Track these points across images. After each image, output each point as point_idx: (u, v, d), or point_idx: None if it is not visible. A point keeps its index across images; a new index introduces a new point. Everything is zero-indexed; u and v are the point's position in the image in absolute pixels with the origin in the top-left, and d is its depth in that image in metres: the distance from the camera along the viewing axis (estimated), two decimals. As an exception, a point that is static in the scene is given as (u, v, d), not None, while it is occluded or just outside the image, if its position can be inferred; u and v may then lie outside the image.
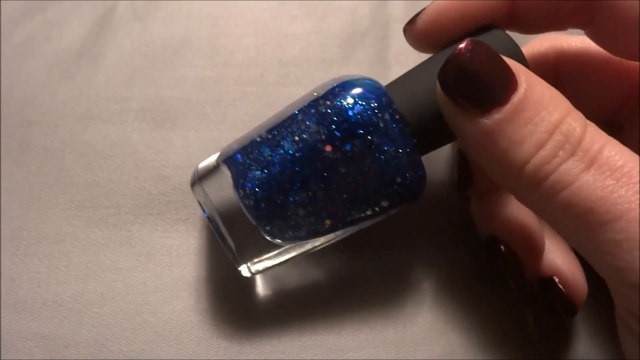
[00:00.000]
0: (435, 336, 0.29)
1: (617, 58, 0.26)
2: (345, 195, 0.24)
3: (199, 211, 0.31)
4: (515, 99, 0.21)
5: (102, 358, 0.28)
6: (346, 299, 0.30)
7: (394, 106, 0.24)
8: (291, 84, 0.35)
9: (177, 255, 0.30)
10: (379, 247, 0.31)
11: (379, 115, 0.23)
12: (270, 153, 0.24)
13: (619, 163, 0.20)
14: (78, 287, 0.29)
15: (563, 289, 0.27)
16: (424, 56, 0.35)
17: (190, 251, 0.30)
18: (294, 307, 0.29)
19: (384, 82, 0.33)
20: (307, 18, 0.38)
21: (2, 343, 0.28)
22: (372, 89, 0.24)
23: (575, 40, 0.28)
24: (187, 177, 0.32)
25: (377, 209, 0.25)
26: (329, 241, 0.27)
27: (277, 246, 0.26)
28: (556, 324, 0.30)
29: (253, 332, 0.29)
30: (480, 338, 0.29)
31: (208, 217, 0.26)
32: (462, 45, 0.21)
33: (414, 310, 0.30)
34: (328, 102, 0.24)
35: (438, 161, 0.33)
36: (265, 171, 0.24)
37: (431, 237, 0.31)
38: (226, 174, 0.25)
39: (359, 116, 0.23)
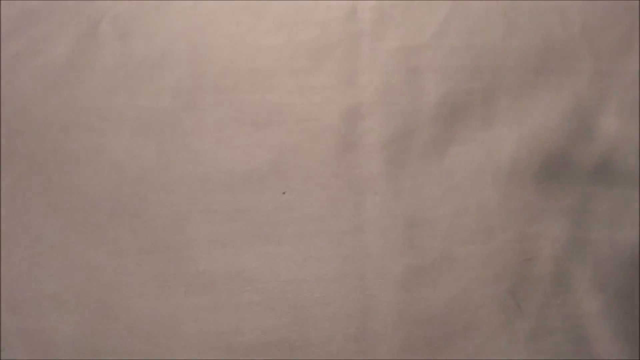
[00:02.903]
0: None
1: None
2: None
3: (171, 209, 0.33)
4: None
5: (78, 352, 0.29)
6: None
7: None
8: (263, 91, 0.37)
9: (148, 252, 0.32)
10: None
11: None
12: None
13: None
14: (56, 285, 0.31)
15: None
16: (391, 65, 0.38)
17: (160, 248, 0.32)
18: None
19: (353, 89, 0.35)
20: (280, 32, 0.40)
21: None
22: None
23: None
24: (161, 180, 0.34)
25: None
26: None
27: None
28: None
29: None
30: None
31: None
32: None
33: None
34: None
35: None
36: None
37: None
38: None
39: None
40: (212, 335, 0.30)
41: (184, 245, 0.32)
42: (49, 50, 0.39)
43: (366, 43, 0.39)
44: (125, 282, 0.31)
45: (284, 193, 0.34)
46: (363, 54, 0.39)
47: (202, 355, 0.29)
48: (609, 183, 0.35)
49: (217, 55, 0.39)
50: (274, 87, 0.37)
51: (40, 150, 0.35)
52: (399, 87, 0.38)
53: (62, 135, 0.35)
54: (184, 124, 0.36)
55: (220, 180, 0.34)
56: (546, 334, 0.31)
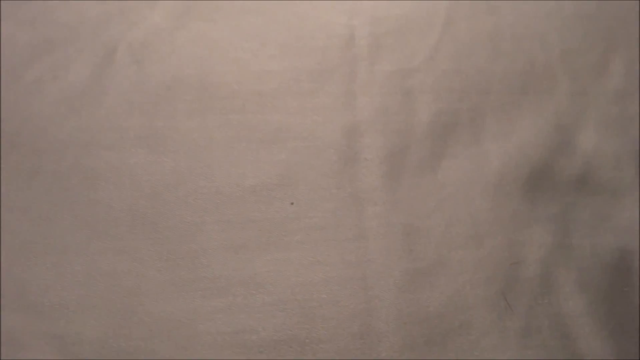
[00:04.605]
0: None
1: None
2: None
3: (187, 220, 0.35)
4: None
5: (104, 353, 0.32)
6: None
7: None
8: (269, 112, 0.40)
9: (166, 259, 0.34)
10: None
11: None
12: None
13: None
14: (81, 291, 0.33)
15: None
16: (386, 87, 0.41)
17: (177, 255, 0.34)
18: (272, 305, 0.33)
19: (352, 109, 0.39)
20: (283, 57, 0.43)
21: (17, 342, 0.32)
22: None
23: None
24: (177, 193, 0.36)
25: None
26: None
27: None
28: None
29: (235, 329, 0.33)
30: (436, 329, 0.33)
31: None
32: None
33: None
34: None
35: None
36: None
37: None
38: None
39: None
40: (227, 335, 0.32)
41: (199, 253, 0.35)
42: (68, 75, 0.42)
43: (363, 67, 0.43)
44: (146, 288, 0.33)
45: (292, 204, 0.36)
46: (360, 77, 0.42)
47: (218, 353, 0.32)
48: (589, 193, 0.38)
49: (225, 78, 0.42)
50: (278, 107, 0.41)
51: (63, 168, 0.37)
52: (394, 107, 0.41)
53: (83, 153, 0.38)
54: (197, 143, 0.38)
55: (231, 193, 0.37)
56: (534, 331, 0.33)
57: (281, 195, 0.37)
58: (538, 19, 0.46)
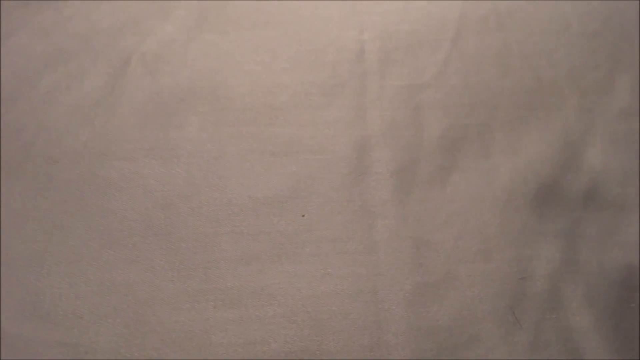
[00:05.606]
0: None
1: None
2: None
3: (199, 230, 0.36)
4: None
5: (115, 362, 0.32)
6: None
7: None
8: (281, 125, 0.40)
9: (178, 270, 0.35)
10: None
11: None
12: None
13: None
14: (94, 300, 0.34)
15: None
16: (396, 101, 0.42)
17: (190, 266, 0.35)
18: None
19: (363, 123, 0.39)
20: (295, 71, 0.44)
21: (30, 351, 0.32)
22: None
23: None
24: (190, 204, 0.37)
25: None
26: None
27: None
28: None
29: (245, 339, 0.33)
30: (446, 343, 0.33)
31: None
32: None
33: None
34: None
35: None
36: None
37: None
38: None
39: None
40: (239, 346, 0.32)
41: (212, 264, 0.35)
42: (82, 85, 0.42)
43: (373, 82, 0.43)
44: (159, 297, 0.34)
45: (303, 216, 0.37)
46: (371, 92, 0.43)
47: (231, 364, 0.32)
48: (597, 209, 0.39)
49: (238, 91, 0.42)
50: (290, 120, 0.41)
51: (77, 177, 0.38)
52: (404, 122, 0.42)
53: (96, 163, 0.38)
54: (210, 154, 0.39)
55: (243, 204, 0.37)
56: (542, 346, 0.34)
57: (292, 208, 0.37)
58: (546, 37, 0.47)
